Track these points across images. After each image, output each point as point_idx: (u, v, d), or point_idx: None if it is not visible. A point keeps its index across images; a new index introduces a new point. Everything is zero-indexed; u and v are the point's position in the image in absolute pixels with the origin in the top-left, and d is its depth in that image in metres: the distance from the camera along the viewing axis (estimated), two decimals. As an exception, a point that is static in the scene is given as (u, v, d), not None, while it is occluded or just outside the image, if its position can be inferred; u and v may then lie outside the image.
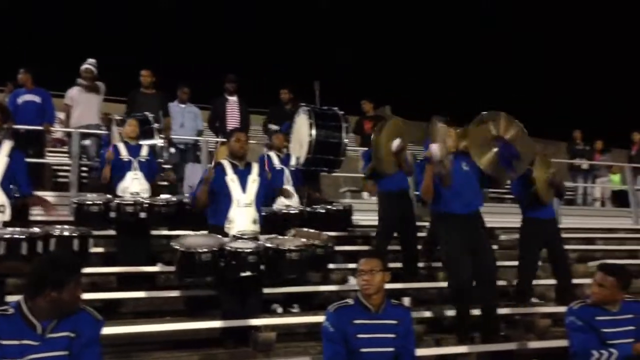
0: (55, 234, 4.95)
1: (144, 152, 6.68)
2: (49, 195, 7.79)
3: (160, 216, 6.19)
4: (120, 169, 6.51)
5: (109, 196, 6.28)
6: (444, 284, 6.54)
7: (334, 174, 8.77)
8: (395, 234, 6.88)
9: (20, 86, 8.69)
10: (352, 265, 6.40)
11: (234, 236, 5.25)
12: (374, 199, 8.54)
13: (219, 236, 5.19)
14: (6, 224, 4.85)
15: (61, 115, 9.40)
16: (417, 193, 6.27)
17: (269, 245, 5.14)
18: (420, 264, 6.97)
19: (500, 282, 6.45)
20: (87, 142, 8.63)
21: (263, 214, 5.74)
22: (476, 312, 5.49)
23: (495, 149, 5.32)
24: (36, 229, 4.92)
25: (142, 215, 6.05)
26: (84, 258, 5.19)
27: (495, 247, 8.04)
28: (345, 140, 7.69)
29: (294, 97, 9.52)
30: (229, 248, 4.96)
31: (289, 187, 6.98)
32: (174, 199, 6.44)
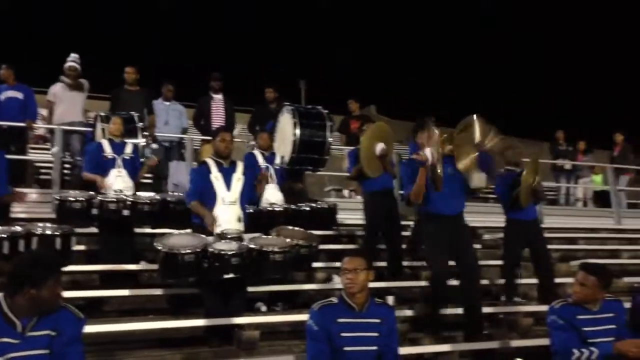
0: (37, 232, 4.90)
1: (128, 149, 6.63)
2: (31, 193, 7.78)
3: (144, 214, 6.15)
4: (103, 166, 6.46)
5: (91, 193, 6.23)
6: (428, 283, 6.59)
7: (319, 173, 8.76)
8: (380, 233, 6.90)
9: (2, 82, 8.60)
10: (336, 264, 6.40)
11: (218, 235, 5.24)
12: (358, 197, 8.58)
13: (203, 236, 5.17)
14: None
15: (44, 111, 9.32)
16: (402, 192, 6.31)
17: (252, 246, 5.12)
18: (405, 263, 6.99)
19: (484, 281, 6.51)
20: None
21: (248, 211, 5.74)
22: (459, 311, 5.54)
23: (475, 155, 5.38)
24: (18, 228, 4.88)
25: (125, 213, 6.01)
26: (67, 256, 5.16)
27: (478, 246, 8.11)
28: (330, 139, 7.69)
29: (279, 96, 9.51)
30: (212, 249, 4.94)
31: (273, 185, 6.97)
32: (158, 197, 6.41)
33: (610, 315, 4.12)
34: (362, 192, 7.17)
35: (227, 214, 5.36)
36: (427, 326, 5.53)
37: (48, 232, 4.98)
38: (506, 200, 6.58)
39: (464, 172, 5.42)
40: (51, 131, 8.74)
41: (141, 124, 7.65)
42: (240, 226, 5.40)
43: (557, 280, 7.17)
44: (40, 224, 5.08)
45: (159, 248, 4.96)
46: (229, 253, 4.92)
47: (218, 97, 9.15)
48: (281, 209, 6.67)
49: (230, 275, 4.95)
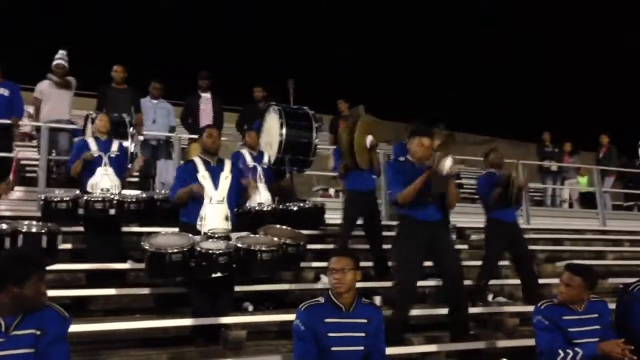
0: (23, 230, 4.87)
1: (114, 147, 6.59)
2: (16, 191, 7.71)
3: (130, 213, 6.11)
4: (90, 164, 6.42)
5: (77, 192, 6.19)
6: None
7: (307, 173, 8.76)
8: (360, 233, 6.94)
9: (-13, 79, 8.52)
10: (324, 264, 6.41)
11: (205, 234, 5.23)
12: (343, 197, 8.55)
13: (190, 235, 5.15)
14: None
15: (30, 109, 9.25)
16: (390, 192, 6.30)
17: (240, 245, 5.12)
18: (391, 263, 7.00)
19: (470, 282, 6.55)
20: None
21: (236, 210, 5.73)
22: (445, 311, 5.55)
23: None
24: (3, 226, 4.84)
25: (112, 211, 5.96)
26: (53, 255, 5.12)
27: (465, 246, 8.16)
28: (316, 140, 7.68)
29: (268, 95, 9.50)
30: (199, 249, 4.92)
31: (261, 185, 6.96)
32: (144, 195, 6.37)
33: (595, 316, 4.16)
34: (344, 190, 7.15)
35: (214, 213, 5.35)
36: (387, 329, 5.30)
37: (34, 229, 4.93)
38: (488, 200, 6.57)
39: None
40: (37, 129, 8.67)
41: (132, 129, 7.61)
42: (227, 225, 5.39)
43: (543, 281, 7.23)
44: (26, 222, 5.04)
45: (146, 247, 4.94)
46: (217, 252, 4.92)
47: (206, 96, 9.13)
48: (269, 209, 6.67)
49: (218, 275, 4.94)
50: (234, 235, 5.32)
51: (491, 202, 6.51)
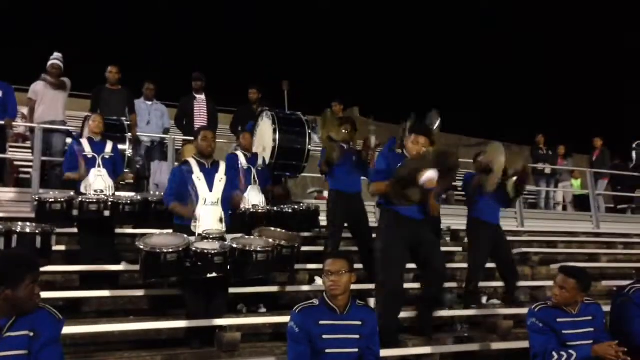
0: (17, 230, 4.85)
1: (108, 148, 6.58)
2: (10, 192, 7.69)
3: (125, 214, 6.10)
4: (71, 171, 6.41)
5: (72, 194, 6.17)
6: (409, 285, 6.60)
7: (302, 175, 8.75)
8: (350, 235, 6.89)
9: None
10: (318, 266, 6.41)
11: (200, 235, 5.22)
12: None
13: (185, 235, 5.15)
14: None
15: (24, 110, 9.21)
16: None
17: (235, 245, 5.11)
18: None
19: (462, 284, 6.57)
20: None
21: (230, 212, 5.72)
22: (442, 313, 5.55)
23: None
24: (-1, 226, 4.83)
25: (106, 213, 5.95)
26: (47, 255, 5.11)
27: (459, 249, 8.17)
28: (309, 146, 7.69)
29: (262, 97, 9.50)
30: (194, 248, 4.92)
31: (255, 187, 6.96)
32: (139, 197, 6.36)
33: (589, 318, 4.18)
34: (328, 191, 7.10)
35: (209, 214, 5.35)
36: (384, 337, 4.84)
37: (28, 230, 4.92)
38: (469, 187, 6.49)
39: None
40: (31, 130, 8.64)
41: (129, 134, 7.59)
42: (222, 227, 5.39)
43: (537, 283, 7.26)
44: (20, 223, 5.03)
45: (141, 247, 4.93)
46: (212, 252, 4.92)
47: (201, 97, 9.12)
48: (264, 211, 6.66)
49: (213, 275, 4.94)
50: (228, 237, 5.33)
51: (470, 192, 6.44)
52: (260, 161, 7.28)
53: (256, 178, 7.06)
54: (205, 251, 4.91)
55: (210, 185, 5.44)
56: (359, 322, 3.69)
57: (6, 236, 4.81)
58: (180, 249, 4.91)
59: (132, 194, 6.70)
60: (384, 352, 4.03)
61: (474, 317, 6.21)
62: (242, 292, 5.86)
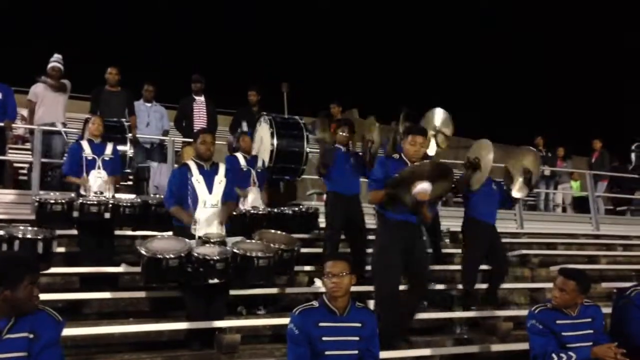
0: (18, 236, 4.85)
1: (108, 150, 6.58)
2: (10, 194, 7.69)
3: (125, 216, 6.09)
4: (83, 167, 6.41)
5: (72, 196, 6.17)
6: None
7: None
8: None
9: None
10: (317, 268, 6.42)
11: (200, 238, 5.22)
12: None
13: (186, 240, 5.14)
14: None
15: (23, 111, 9.21)
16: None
17: (236, 251, 5.11)
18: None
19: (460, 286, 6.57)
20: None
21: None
22: (442, 315, 5.56)
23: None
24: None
25: (106, 215, 5.95)
26: (48, 260, 5.11)
27: (458, 251, 8.15)
28: (307, 149, 7.69)
29: (262, 99, 9.51)
30: (196, 254, 4.92)
31: (254, 189, 6.96)
32: (139, 199, 6.36)
33: (588, 320, 4.19)
34: (326, 192, 7.06)
35: (209, 217, 5.35)
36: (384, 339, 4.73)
37: (29, 235, 4.92)
38: (461, 182, 6.53)
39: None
40: (31, 131, 8.64)
41: (130, 135, 7.59)
42: (222, 229, 5.39)
43: (536, 285, 7.26)
44: (22, 227, 5.02)
45: (143, 252, 4.93)
46: (214, 258, 4.91)
47: (200, 99, 9.12)
48: (264, 213, 6.66)
49: (215, 281, 4.94)
50: (229, 240, 5.32)
51: (457, 187, 6.47)
52: (259, 163, 7.30)
53: (256, 180, 7.08)
54: (207, 257, 4.91)
55: (210, 188, 5.44)
56: (358, 324, 3.70)
57: (8, 241, 4.80)
58: (182, 255, 4.91)
59: (132, 196, 6.70)
60: (383, 354, 4.03)
61: (473, 319, 6.21)
62: (241, 294, 5.85)
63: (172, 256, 4.86)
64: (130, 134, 7.64)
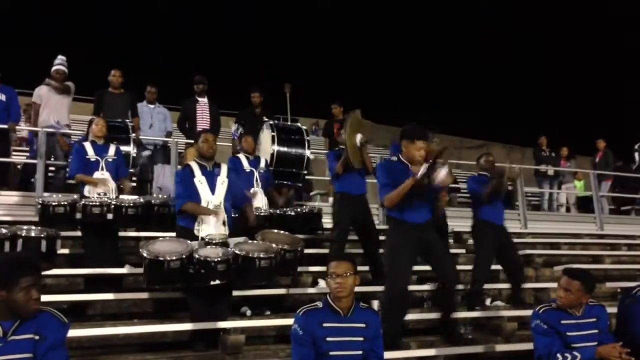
0: (22, 234, 4.85)
1: (111, 151, 6.60)
2: (14, 195, 7.70)
3: (128, 217, 6.10)
4: (87, 168, 6.42)
5: (75, 196, 6.18)
6: (412, 287, 6.61)
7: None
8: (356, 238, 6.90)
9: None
10: (322, 268, 6.41)
11: (203, 240, 5.22)
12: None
13: (188, 241, 5.14)
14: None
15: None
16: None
17: (238, 252, 5.11)
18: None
19: (466, 286, 6.56)
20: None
21: (233, 216, 5.72)
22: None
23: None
24: (3, 230, 4.83)
25: (109, 216, 5.96)
26: (52, 260, 5.11)
27: (462, 250, 8.16)
28: (308, 154, 7.70)
29: (265, 100, 9.52)
30: (197, 256, 4.92)
31: (258, 189, 6.97)
32: (142, 200, 6.37)
33: (593, 320, 4.17)
34: (334, 193, 7.11)
35: (212, 218, 5.35)
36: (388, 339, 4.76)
37: (33, 234, 4.92)
38: (478, 194, 6.56)
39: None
40: (35, 133, 8.67)
41: (134, 134, 7.60)
42: (225, 230, 5.40)
43: (541, 285, 7.25)
44: (25, 227, 5.03)
45: (145, 254, 4.93)
46: (215, 260, 4.91)
47: (203, 100, 9.12)
48: (266, 214, 6.66)
49: (217, 282, 4.94)
50: (231, 241, 5.32)
51: (484, 197, 6.48)
52: (262, 164, 7.30)
53: (258, 181, 7.08)
54: (209, 259, 4.90)
55: (213, 188, 5.44)
56: (362, 325, 3.69)
57: (11, 240, 4.80)
58: (184, 257, 4.91)
59: (135, 197, 6.71)
60: (387, 354, 4.03)
61: (477, 319, 6.20)
62: (246, 295, 5.86)
63: (173, 258, 4.86)
64: (133, 134, 7.65)
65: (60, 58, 8.56)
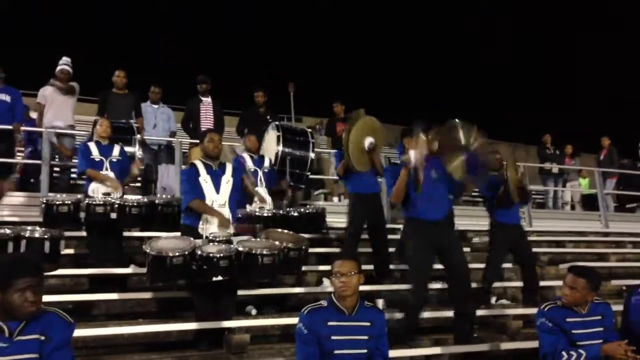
0: (25, 235, 4.86)
1: (116, 152, 6.60)
2: (18, 196, 7.72)
3: (132, 217, 6.11)
4: (92, 168, 6.43)
5: (79, 196, 6.20)
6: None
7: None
8: (365, 237, 6.91)
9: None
10: (326, 267, 6.41)
11: (207, 238, 5.23)
12: (346, 201, 8.58)
13: (191, 239, 5.15)
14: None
15: (33, 114, 9.25)
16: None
17: (240, 249, 5.11)
18: (394, 267, 7.00)
19: (473, 284, 6.53)
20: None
21: (237, 217, 5.73)
22: (449, 313, 5.55)
23: (463, 157, 5.32)
24: (6, 231, 4.83)
25: (113, 216, 5.97)
26: (55, 261, 5.12)
27: (467, 249, 8.14)
28: (312, 156, 7.71)
29: (269, 100, 9.52)
30: (200, 252, 4.92)
31: (261, 189, 6.96)
32: (146, 199, 6.38)
33: (598, 317, 4.17)
34: (348, 194, 7.16)
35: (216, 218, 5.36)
36: (398, 336, 5.19)
37: (37, 235, 4.93)
38: (492, 202, 6.62)
39: (456, 176, 5.36)
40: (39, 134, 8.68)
41: (139, 136, 7.62)
42: (229, 228, 5.39)
43: (546, 283, 7.23)
44: (29, 227, 5.03)
45: (147, 251, 4.94)
46: (218, 256, 4.92)
47: (207, 100, 9.12)
48: (268, 215, 6.66)
49: (219, 278, 4.94)
50: (235, 239, 5.33)
51: (496, 205, 6.57)
52: (266, 163, 7.30)
53: (262, 180, 7.08)
54: (211, 255, 4.91)
55: (217, 188, 5.45)
56: (367, 323, 3.69)
57: (15, 241, 4.81)
58: (186, 253, 4.92)
59: (138, 196, 6.72)
60: (393, 353, 4.02)
61: (483, 318, 6.19)
62: (250, 294, 5.86)
63: (176, 254, 4.87)
64: (138, 135, 7.66)
65: (65, 59, 8.59)
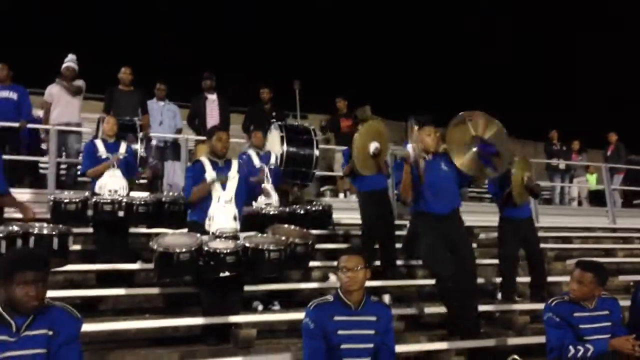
0: (34, 232, 4.88)
1: (122, 149, 6.62)
2: (26, 192, 7.75)
3: (139, 214, 6.13)
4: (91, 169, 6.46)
5: (86, 194, 6.22)
6: (424, 282, 6.63)
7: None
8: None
9: (-3, 82, 8.56)
10: (333, 263, 6.41)
11: (213, 234, 5.24)
12: (353, 197, 8.60)
13: (198, 235, 5.17)
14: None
15: (39, 112, 9.30)
16: (397, 192, 6.33)
17: (247, 244, 5.12)
18: (400, 262, 7.01)
19: (480, 280, 6.53)
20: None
21: (243, 214, 5.74)
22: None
23: (475, 149, 5.34)
24: (15, 227, 4.85)
25: (120, 213, 5.99)
26: (64, 256, 5.14)
27: (474, 245, 8.13)
28: (316, 153, 7.73)
29: (274, 97, 9.53)
30: (207, 248, 4.94)
31: (268, 185, 6.97)
32: (152, 197, 6.40)
33: (606, 312, 4.16)
34: (357, 192, 7.20)
35: (222, 213, 5.37)
36: (455, 329, 5.41)
37: (45, 231, 4.95)
38: (499, 199, 6.63)
39: (466, 170, 5.36)
40: (46, 131, 8.72)
41: (141, 133, 7.64)
42: (235, 225, 5.41)
43: (553, 278, 7.22)
44: (37, 224, 5.05)
45: (155, 247, 4.95)
46: (225, 251, 4.93)
47: (212, 97, 9.13)
48: (275, 212, 6.66)
49: (226, 274, 4.96)
50: (242, 235, 5.34)
51: (501, 203, 6.59)
52: (272, 159, 7.30)
53: (269, 176, 7.08)
54: (218, 250, 4.93)
55: (223, 184, 5.45)
56: (373, 318, 3.69)
57: (23, 237, 4.83)
58: (193, 249, 4.93)
59: (145, 194, 6.73)
60: (400, 348, 4.03)
61: (489, 313, 6.19)
62: (257, 290, 5.88)
63: (183, 250, 4.89)
64: (142, 133, 7.67)
65: (71, 56, 8.62)
